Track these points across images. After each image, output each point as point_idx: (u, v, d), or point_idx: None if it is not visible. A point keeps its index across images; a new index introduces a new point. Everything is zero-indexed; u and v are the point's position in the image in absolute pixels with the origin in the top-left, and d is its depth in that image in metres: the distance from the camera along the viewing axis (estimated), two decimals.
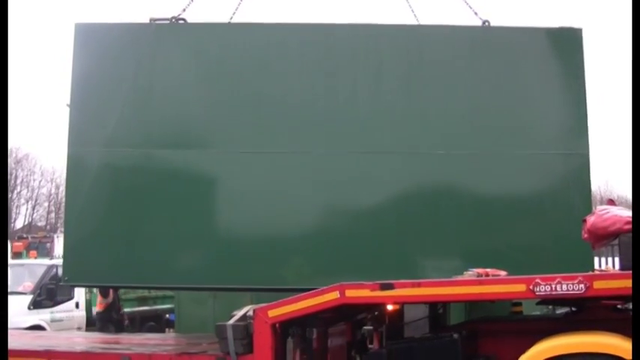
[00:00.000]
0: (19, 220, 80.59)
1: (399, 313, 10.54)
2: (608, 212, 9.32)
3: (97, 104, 12.21)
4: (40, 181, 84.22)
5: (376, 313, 10.32)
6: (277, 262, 11.88)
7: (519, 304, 11.84)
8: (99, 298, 21.16)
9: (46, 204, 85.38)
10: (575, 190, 11.73)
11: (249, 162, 11.97)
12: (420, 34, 12.48)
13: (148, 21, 12.42)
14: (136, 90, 12.14)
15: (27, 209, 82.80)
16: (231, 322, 9.53)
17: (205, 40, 12.41)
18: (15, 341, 11.03)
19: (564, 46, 12.18)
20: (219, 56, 12.30)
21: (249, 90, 12.12)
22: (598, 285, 8.45)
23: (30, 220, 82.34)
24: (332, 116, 12.05)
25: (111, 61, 12.29)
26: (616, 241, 9.35)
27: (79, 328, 22.14)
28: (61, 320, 21.74)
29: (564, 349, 8.43)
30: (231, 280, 11.98)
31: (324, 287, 9.13)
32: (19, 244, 41.06)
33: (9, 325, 9.82)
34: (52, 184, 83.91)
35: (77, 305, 22.63)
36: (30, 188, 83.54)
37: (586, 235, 9.50)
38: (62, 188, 78.24)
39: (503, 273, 9.45)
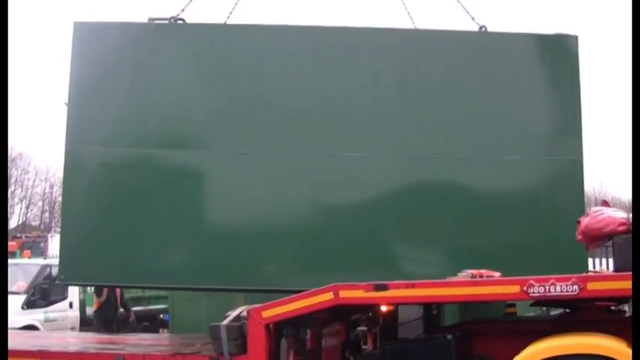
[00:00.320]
0: (12, 219, 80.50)
1: (393, 314, 10.56)
2: (602, 214, 9.34)
3: (95, 103, 12.22)
4: (34, 181, 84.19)
5: (370, 313, 10.34)
6: (273, 263, 11.92)
7: (513, 305, 11.84)
8: (95, 298, 21.15)
9: (40, 203, 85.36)
10: (568, 195, 11.79)
11: (246, 163, 11.98)
12: (417, 39, 12.50)
13: (146, 21, 12.42)
14: (134, 89, 12.14)
15: (21, 208, 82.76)
16: (225, 322, 9.51)
17: (204, 40, 12.41)
18: (9, 341, 11.01)
19: (560, 52, 12.25)
20: (217, 57, 12.30)
21: (247, 91, 12.14)
22: (592, 286, 8.46)
23: (24, 219, 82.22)
24: (328, 118, 12.07)
25: (109, 60, 12.29)
26: (610, 243, 9.37)
27: (72, 328, 22.10)
28: (54, 320, 21.69)
29: (558, 351, 8.44)
30: (226, 281, 12.00)
31: (318, 288, 9.13)
32: (12, 243, 40.99)
33: None
34: (46, 183, 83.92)
35: (71, 305, 22.58)
36: (24, 187, 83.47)
37: (580, 237, 9.52)
38: (57, 188, 78.34)
39: (497, 274, 9.46)
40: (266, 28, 12.53)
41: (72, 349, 11.50)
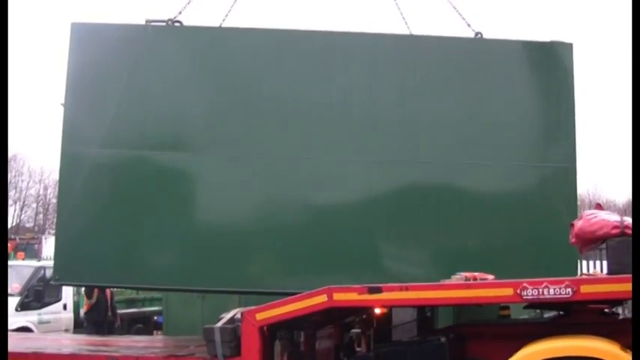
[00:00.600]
0: None
1: (387, 317, 10.59)
2: (595, 216, 9.36)
3: (91, 104, 12.21)
4: (28, 182, 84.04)
5: (364, 316, 10.35)
6: (267, 265, 11.93)
7: (507, 307, 11.86)
8: (85, 299, 21.14)
9: (34, 205, 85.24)
10: (561, 202, 11.80)
11: (242, 165, 12.00)
12: (413, 44, 12.53)
13: (143, 23, 12.42)
14: (131, 91, 12.13)
15: (15, 210, 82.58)
16: (219, 324, 9.53)
17: (201, 43, 12.41)
18: None
19: (555, 59, 12.30)
20: (214, 59, 12.32)
21: (243, 94, 12.14)
22: (585, 289, 8.48)
23: (18, 221, 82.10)
24: (324, 122, 12.09)
25: (106, 61, 12.27)
26: (603, 246, 9.39)
27: (66, 330, 22.09)
28: (48, 322, 21.68)
29: (551, 353, 8.45)
30: (221, 283, 12.03)
31: (312, 290, 9.14)
32: None
33: None
34: (40, 185, 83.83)
35: (65, 307, 22.57)
36: (18, 189, 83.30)
37: (573, 240, 9.54)
38: (51, 189, 78.30)
39: (490, 277, 9.47)
40: (263, 31, 12.56)
41: (66, 351, 11.50)
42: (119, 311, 23.34)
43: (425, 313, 11.34)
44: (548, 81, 12.28)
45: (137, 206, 12.03)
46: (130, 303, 25.06)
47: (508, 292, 8.69)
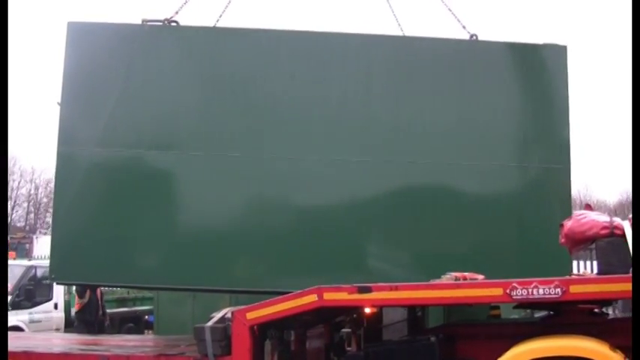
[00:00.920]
0: None
1: (377, 316, 10.60)
2: (585, 217, 9.39)
3: (87, 103, 12.20)
4: (19, 182, 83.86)
5: (354, 315, 10.36)
6: (259, 265, 11.94)
7: (497, 307, 11.88)
8: (76, 299, 21.13)
9: (25, 204, 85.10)
10: (555, 203, 11.85)
11: (238, 165, 12.00)
12: (408, 46, 12.56)
13: (140, 22, 12.43)
14: (127, 90, 12.12)
15: None
16: (210, 324, 9.53)
17: (197, 42, 12.41)
18: None
19: (549, 62, 12.37)
20: (210, 59, 12.33)
21: (240, 94, 12.15)
22: (574, 289, 8.51)
23: (9, 220, 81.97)
24: (318, 123, 12.12)
25: (103, 60, 12.26)
26: (593, 246, 9.42)
27: (57, 329, 22.09)
28: (39, 321, 21.69)
29: (541, 353, 8.47)
30: (216, 282, 12.04)
31: (303, 290, 9.16)
32: None
33: None
34: (31, 184, 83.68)
35: (56, 306, 22.58)
36: (9, 188, 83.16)
37: (563, 240, 9.58)
38: (42, 189, 78.26)
39: (480, 277, 9.49)
40: (259, 31, 12.57)
41: (56, 350, 11.48)
42: (110, 310, 23.36)
43: (415, 312, 11.37)
44: (542, 83, 12.34)
45: (133, 205, 12.03)
46: (121, 302, 25.08)
47: (498, 292, 8.70)
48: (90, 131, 12.09)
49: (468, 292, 8.92)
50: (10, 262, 26.07)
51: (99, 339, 14.23)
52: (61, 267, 12.07)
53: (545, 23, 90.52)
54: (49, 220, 72.39)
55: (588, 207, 10.04)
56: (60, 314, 22.71)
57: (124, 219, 11.98)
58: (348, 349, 10.67)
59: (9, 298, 20.77)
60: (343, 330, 10.99)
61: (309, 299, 9.06)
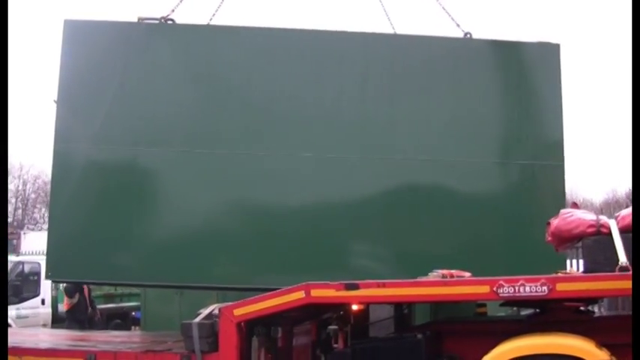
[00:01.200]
0: None
1: (364, 313, 10.62)
2: (572, 215, 9.42)
3: (84, 101, 12.20)
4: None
5: (341, 312, 10.38)
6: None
7: (484, 305, 11.93)
8: (65, 298, 21.09)
9: (13, 200, 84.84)
10: (550, 200, 11.89)
11: (233, 164, 12.03)
12: (404, 44, 12.62)
13: (136, 20, 12.42)
14: (124, 88, 12.13)
15: None
16: (197, 320, 9.52)
17: (194, 40, 12.45)
18: None
19: (543, 60, 12.48)
20: (206, 57, 12.36)
21: (236, 92, 12.20)
22: (561, 287, 8.52)
23: None
24: (312, 121, 12.17)
25: (99, 58, 12.26)
26: (580, 244, 9.46)
27: (44, 325, 22.08)
28: (26, 317, 21.68)
29: (527, 350, 8.49)
30: (214, 279, 12.06)
31: (290, 287, 9.16)
32: None
33: None
34: (19, 180, 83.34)
35: (43, 302, 22.57)
36: None
37: (550, 238, 9.60)
38: (30, 185, 77.95)
39: (467, 274, 9.52)
40: (255, 30, 12.57)
41: (43, 345, 11.46)
42: (98, 307, 23.32)
43: (402, 310, 11.38)
44: (536, 81, 12.42)
45: (130, 203, 12.04)
46: (108, 298, 25.07)
47: (484, 289, 8.72)
48: (87, 129, 12.09)
49: (455, 289, 8.93)
50: None
51: (86, 335, 14.21)
52: (58, 264, 12.06)
53: (540, 22, 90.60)
54: (37, 216, 72.39)
55: (575, 205, 10.07)
56: (47, 310, 22.70)
57: (121, 217, 12.00)
58: (335, 345, 10.70)
59: None
60: (330, 327, 11.01)
61: (297, 296, 9.07)
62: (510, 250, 11.87)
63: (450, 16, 12.88)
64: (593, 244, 9.04)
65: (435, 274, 9.27)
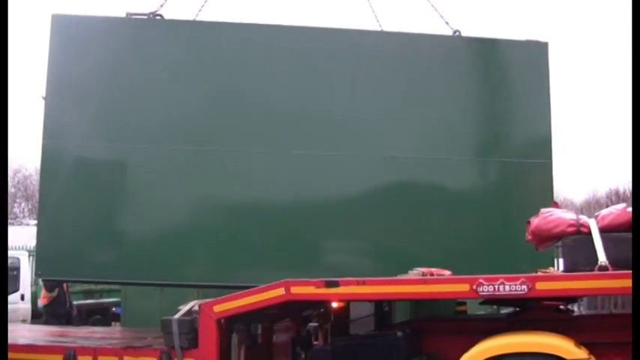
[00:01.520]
0: None
1: (344, 311, 10.63)
2: (552, 214, 9.46)
3: (73, 97, 12.14)
4: None
5: (322, 310, 10.39)
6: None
7: (464, 303, 11.97)
8: (43, 292, 21.00)
9: None
10: (538, 197, 11.88)
11: (222, 161, 12.03)
12: (393, 41, 12.67)
13: (124, 15, 12.38)
14: (113, 84, 12.09)
15: None
16: (177, 316, 9.53)
17: (183, 36, 12.45)
18: None
19: (531, 58, 12.56)
20: (196, 54, 12.34)
21: (226, 88, 12.19)
22: (540, 286, 8.56)
23: None
24: (305, 117, 12.19)
25: (88, 54, 12.21)
26: (560, 243, 9.50)
27: (24, 321, 21.94)
28: None
29: (506, 349, 8.53)
30: (203, 277, 12.07)
31: (270, 283, 9.17)
32: None
33: None
34: None
35: (22, 297, 22.44)
36: None
37: (530, 237, 9.64)
38: (9, 179, 77.38)
39: (447, 272, 9.55)
40: (244, 26, 12.60)
41: (22, 341, 11.41)
42: (77, 302, 23.26)
43: (382, 307, 11.41)
44: (524, 79, 12.54)
45: (118, 200, 12.01)
46: (88, 294, 24.96)
47: (464, 287, 8.75)
48: (76, 125, 12.04)
49: (435, 287, 8.96)
50: None
51: (65, 331, 14.17)
52: (48, 263, 12.02)
53: (529, 20, 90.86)
54: (17, 210, 72.03)
55: (555, 205, 10.11)
56: (27, 305, 22.58)
57: (109, 215, 12.04)
58: (315, 343, 10.69)
59: None
60: (310, 324, 11.01)
61: (277, 293, 9.08)
62: (498, 248, 11.88)
63: (439, 13, 12.95)
64: (572, 244, 9.09)
65: (415, 272, 9.29)
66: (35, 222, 26.84)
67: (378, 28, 13.39)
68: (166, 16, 12.46)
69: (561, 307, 9.87)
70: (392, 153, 12.10)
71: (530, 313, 9.52)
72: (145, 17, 12.34)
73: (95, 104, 11.99)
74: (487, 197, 12.30)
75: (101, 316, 25.19)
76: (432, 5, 13.01)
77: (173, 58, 12.25)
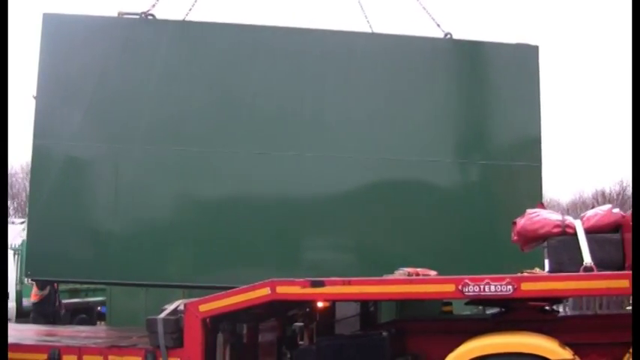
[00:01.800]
0: None
1: (330, 311, 10.64)
2: (538, 215, 9.48)
3: (63, 96, 12.07)
4: None
5: (307, 309, 10.39)
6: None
7: (449, 303, 11.96)
8: (34, 289, 20.91)
9: None
10: (526, 200, 11.87)
11: (212, 160, 12.01)
12: (384, 43, 12.64)
13: (116, 15, 12.35)
14: (104, 84, 12.03)
15: None
16: (162, 315, 9.51)
17: (174, 36, 12.36)
18: None
19: (521, 61, 12.58)
20: (187, 54, 12.29)
21: (217, 89, 12.15)
22: (525, 287, 8.59)
23: None
24: (292, 118, 12.18)
25: (79, 53, 12.13)
26: (545, 244, 9.51)
27: (8, 320, 21.86)
28: None
29: (491, 349, 8.55)
30: (193, 278, 12.04)
31: (256, 283, 9.16)
32: None
33: None
34: None
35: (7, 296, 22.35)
36: None
37: (515, 238, 9.66)
38: None
39: (433, 273, 9.56)
40: (236, 26, 12.53)
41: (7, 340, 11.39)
42: (62, 301, 23.17)
43: (368, 307, 11.41)
44: (514, 82, 12.54)
45: (108, 200, 11.95)
46: (73, 293, 24.88)
47: (449, 288, 8.76)
48: (66, 125, 11.98)
49: (420, 287, 8.98)
50: None
51: (51, 329, 14.14)
52: (38, 263, 11.94)
53: (521, 23, 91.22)
54: None
55: (541, 205, 10.13)
56: (11, 304, 22.48)
57: (100, 215, 11.97)
58: (301, 342, 10.71)
59: None
60: (296, 324, 11.02)
61: (262, 292, 9.08)
62: (487, 250, 11.88)
63: (430, 16, 12.93)
64: (558, 245, 9.12)
65: (401, 272, 9.30)
66: (20, 220, 26.80)
67: (369, 30, 13.38)
68: (158, 16, 12.41)
69: (546, 307, 9.88)
70: (381, 154, 12.09)
71: (515, 314, 9.54)
72: (137, 17, 12.29)
73: (86, 104, 11.94)
74: (477, 200, 12.29)
75: (86, 315, 25.12)
76: (424, 8, 13.01)
77: (164, 58, 12.20)
